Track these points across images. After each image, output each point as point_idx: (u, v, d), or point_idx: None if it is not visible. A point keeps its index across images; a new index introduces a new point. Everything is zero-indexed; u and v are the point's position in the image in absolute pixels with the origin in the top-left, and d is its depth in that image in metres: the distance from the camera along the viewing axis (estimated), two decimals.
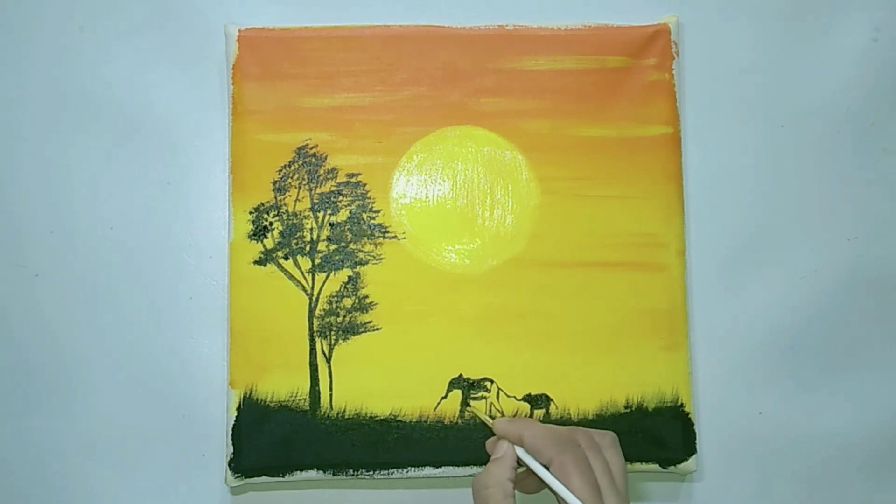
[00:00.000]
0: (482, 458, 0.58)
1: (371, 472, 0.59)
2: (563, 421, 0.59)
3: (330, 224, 0.61)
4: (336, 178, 0.61)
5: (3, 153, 0.62)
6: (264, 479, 0.58)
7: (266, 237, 0.60)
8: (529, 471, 0.52)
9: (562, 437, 0.51)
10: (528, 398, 0.60)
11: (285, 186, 0.60)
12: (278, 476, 0.58)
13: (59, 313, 0.61)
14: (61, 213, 0.62)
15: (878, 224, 0.64)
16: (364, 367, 0.59)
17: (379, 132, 0.61)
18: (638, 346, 0.60)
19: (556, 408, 0.60)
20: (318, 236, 0.60)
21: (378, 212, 0.61)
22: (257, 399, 0.59)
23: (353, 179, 0.61)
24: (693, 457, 0.60)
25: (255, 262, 0.60)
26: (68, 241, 0.62)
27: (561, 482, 0.49)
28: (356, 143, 0.61)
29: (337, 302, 0.60)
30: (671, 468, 0.59)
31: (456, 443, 0.59)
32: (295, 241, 0.60)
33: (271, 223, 0.60)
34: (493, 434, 0.54)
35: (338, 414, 0.59)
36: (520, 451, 0.52)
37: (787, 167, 0.64)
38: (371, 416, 0.59)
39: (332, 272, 0.60)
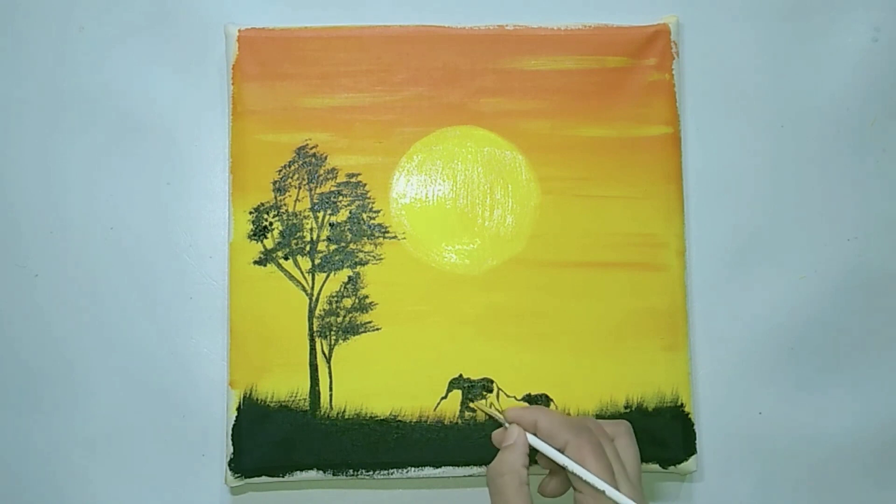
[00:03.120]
0: (482, 458, 0.58)
1: (371, 473, 0.59)
2: None
3: (330, 224, 0.61)
4: (336, 178, 0.61)
5: (3, 153, 0.62)
6: (264, 479, 0.58)
7: (266, 237, 0.60)
8: (550, 473, 0.52)
9: (576, 423, 0.52)
10: (528, 398, 0.60)
11: (285, 186, 0.60)
12: (278, 476, 0.58)
13: (59, 313, 0.61)
14: (61, 214, 0.62)
15: (878, 224, 0.64)
16: (364, 367, 0.59)
17: (379, 132, 0.61)
18: (638, 346, 0.60)
19: (556, 408, 0.59)
20: (318, 236, 0.60)
21: (378, 212, 0.61)
22: (257, 399, 0.59)
23: (353, 179, 0.61)
24: (693, 457, 0.60)
25: (255, 262, 0.60)
26: (68, 242, 0.62)
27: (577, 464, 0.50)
28: (356, 143, 0.61)
29: (337, 302, 0.60)
30: (671, 468, 0.59)
31: (456, 443, 0.59)
32: (295, 241, 0.60)
33: (271, 223, 0.60)
34: (499, 428, 0.54)
35: (338, 414, 0.59)
36: (531, 438, 0.52)
37: (787, 167, 0.64)
38: (371, 417, 0.59)
39: (332, 272, 0.60)
